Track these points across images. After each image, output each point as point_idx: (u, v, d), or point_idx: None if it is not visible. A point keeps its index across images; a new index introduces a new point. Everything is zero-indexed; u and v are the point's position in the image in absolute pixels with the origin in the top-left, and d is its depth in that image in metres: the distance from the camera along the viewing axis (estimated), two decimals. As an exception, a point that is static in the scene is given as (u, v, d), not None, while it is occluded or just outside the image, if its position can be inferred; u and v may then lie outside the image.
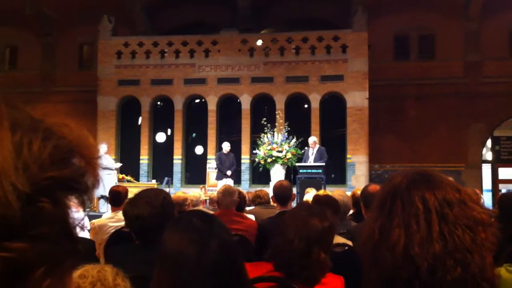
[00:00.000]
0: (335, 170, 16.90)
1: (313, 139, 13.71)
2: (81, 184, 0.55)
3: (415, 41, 19.49)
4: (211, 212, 4.78)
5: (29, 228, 0.50)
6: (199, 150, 18.07)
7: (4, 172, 0.49)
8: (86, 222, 7.35)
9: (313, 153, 13.35)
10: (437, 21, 18.85)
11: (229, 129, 17.79)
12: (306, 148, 13.84)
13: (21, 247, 0.49)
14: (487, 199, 16.94)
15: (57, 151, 0.53)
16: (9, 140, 0.51)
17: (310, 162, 13.17)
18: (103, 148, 14.69)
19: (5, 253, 0.48)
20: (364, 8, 16.94)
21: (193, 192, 7.84)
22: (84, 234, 6.95)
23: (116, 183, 13.35)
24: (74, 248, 0.56)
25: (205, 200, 10.94)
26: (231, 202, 5.15)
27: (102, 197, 13.73)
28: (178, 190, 15.04)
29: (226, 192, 5.16)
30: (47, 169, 0.51)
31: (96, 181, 0.57)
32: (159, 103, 18.45)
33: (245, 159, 17.15)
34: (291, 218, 2.50)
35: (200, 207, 6.97)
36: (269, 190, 8.49)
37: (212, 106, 17.66)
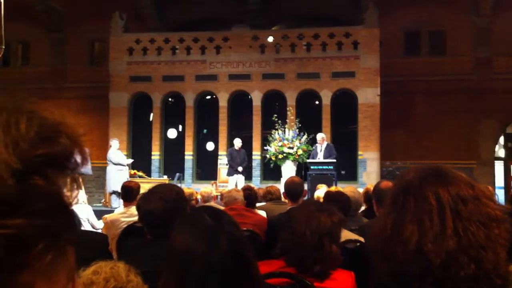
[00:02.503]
0: (346, 167, 16.84)
1: (321, 136, 13.69)
2: (70, 162, 0.57)
3: (425, 37, 19.36)
4: (222, 208, 4.79)
5: (25, 205, 0.51)
6: (210, 146, 18.08)
7: None
8: (93, 218, 7.40)
9: (321, 149, 13.34)
10: (447, 16, 18.70)
11: (240, 125, 17.78)
12: (315, 145, 13.81)
13: (19, 223, 0.50)
14: (499, 196, 16.83)
15: (43, 130, 0.54)
16: None
17: (319, 158, 13.15)
18: (115, 144, 14.78)
19: (4, 230, 0.49)
20: (375, 4, 16.84)
21: (204, 188, 7.88)
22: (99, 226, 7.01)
23: (128, 178, 13.45)
24: (70, 221, 0.57)
25: (216, 196, 11.00)
26: (235, 199, 5.24)
27: (114, 192, 13.82)
28: (189, 186, 15.12)
29: (232, 190, 5.29)
30: (36, 146, 0.53)
31: (84, 159, 0.58)
32: (170, 99, 18.48)
33: (256, 155, 17.13)
34: (301, 213, 2.51)
35: (211, 203, 7.00)
36: (280, 186, 8.50)
37: (223, 102, 17.66)
